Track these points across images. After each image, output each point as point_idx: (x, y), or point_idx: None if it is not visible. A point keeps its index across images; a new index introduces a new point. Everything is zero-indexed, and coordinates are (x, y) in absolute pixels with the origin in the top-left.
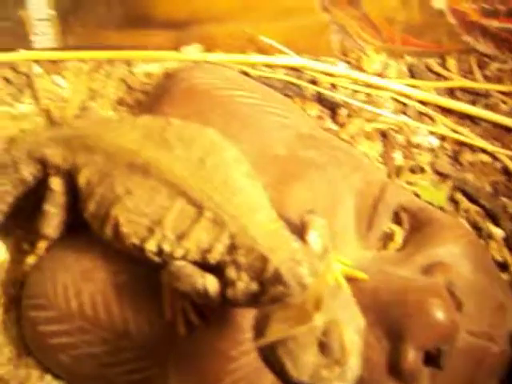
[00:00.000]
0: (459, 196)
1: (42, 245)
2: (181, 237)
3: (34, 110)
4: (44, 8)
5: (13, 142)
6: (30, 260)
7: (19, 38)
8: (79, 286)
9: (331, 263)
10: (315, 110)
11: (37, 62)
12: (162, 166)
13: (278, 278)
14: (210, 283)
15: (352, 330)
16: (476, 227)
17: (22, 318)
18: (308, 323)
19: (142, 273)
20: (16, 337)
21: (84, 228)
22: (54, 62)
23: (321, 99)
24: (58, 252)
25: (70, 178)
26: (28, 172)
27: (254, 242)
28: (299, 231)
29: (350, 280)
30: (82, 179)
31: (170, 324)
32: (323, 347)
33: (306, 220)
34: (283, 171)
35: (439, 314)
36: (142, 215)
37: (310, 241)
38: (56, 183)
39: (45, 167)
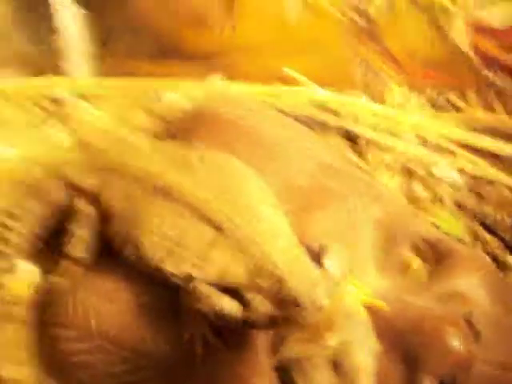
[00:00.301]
0: (478, 228)
1: (66, 265)
2: (201, 259)
3: (66, 137)
4: (77, 37)
5: (44, 167)
6: (55, 279)
7: (53, 65)
8: (100, 305)
9: (347, 287)
10: (336, 140)
11: (70, 89)
12: (185, 189)
13: (295, 301)
14: (229, 305)
15: (366, 351)
16: (495, 259)
17: (43, 336)
18: (320, 343)
19: (163, 294)
20: (38, 355)
21: (107, 250)
22: (86, 90)
23: (342, 131)
24: (81, 272)
25: (96, 201)
26: (58, 196)
27: (274, 266)
28: (317, 256)
29: (368, 308)
30: (106, 202)
31: (188, 344)
32: (336, 368)
33: (323, 245)
34: (305, 200)
35: (455, 343)
36: (163, 237)
37: (327, 265)
38: (83, 206)
39: (74, 191)
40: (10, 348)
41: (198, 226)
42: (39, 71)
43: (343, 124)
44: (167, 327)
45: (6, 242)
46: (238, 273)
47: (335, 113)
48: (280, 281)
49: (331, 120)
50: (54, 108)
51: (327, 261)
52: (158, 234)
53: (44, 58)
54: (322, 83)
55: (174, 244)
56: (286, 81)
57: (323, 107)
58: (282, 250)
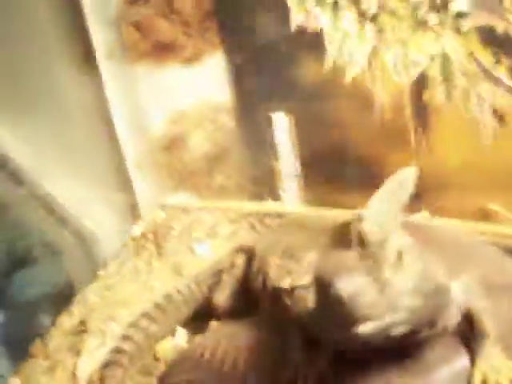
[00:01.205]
0: None
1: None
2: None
3: None
4: (293, 163)
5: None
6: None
7: (269, 188)
8: (220, 343)
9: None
10: None
11: (278, 212)
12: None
13: None
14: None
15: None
16: None
17: None
18: None
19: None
20: None
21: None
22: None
23: None
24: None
25: (251, 253)
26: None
27: None
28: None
29: None
30: (257, 249)
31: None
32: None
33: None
34: None
35: None
36: (283, 257)
37: (452, 285)
38: (239, 258)
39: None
40: None
41: (302, 236)
42: (253, 193)
43: None
44: (274, 367)
45: (175, 303)
46: None
47: None
48: None
49: None
50: (262, 227)
51: (454, 283)
52: (279, 255)
53: (259, 181)
54: None
55: (291, 262)
56: (490, 215)
57: None
58: None
